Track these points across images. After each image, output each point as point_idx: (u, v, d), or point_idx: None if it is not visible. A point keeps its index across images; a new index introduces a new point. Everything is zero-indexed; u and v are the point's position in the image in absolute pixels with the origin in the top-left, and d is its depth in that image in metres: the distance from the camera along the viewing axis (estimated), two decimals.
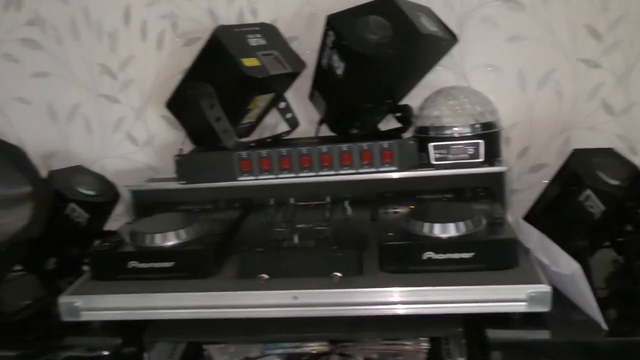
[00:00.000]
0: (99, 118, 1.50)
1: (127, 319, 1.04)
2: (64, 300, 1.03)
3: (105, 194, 1.31)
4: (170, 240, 1.09)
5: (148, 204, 1.31)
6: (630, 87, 1.37)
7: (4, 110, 1.52)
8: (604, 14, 1.34)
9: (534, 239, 1.10)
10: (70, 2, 1.44)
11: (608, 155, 1.13)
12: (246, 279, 1.03)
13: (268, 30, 1.31)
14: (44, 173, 1.25)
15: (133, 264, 1.06)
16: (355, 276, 1.02)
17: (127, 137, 1.50)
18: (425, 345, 1.11)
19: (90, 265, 1.09)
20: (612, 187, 1.05)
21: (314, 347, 1.18)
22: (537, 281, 0.96)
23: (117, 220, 1.37)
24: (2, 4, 1.45)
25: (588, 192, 1.06)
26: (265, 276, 1.02)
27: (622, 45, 1.35)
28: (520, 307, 0.96)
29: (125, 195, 1.32)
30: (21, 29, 1.46)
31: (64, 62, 1.47)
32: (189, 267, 1.06)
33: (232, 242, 1.10)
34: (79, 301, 1.03)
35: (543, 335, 0.97)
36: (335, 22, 1.21)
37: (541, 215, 1.18)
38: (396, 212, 1.14)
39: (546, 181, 1.23)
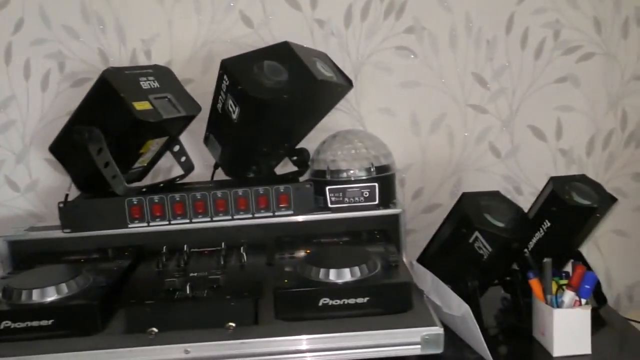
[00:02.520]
0: None
1: None
2: None
3: None
4: (50, 296, 1.01)
5: (27, 255, 1.22)
6: (515, 131, 1.45)
7: None
8: (490, 63, 1.42)
9: (428, 281, 1.12)
10: None
11: (495, 197, 1.18)
12: (134, 333, 0.98)
13: (161, 73, 1.27)
14: None
15: (6, 323, 0.97)
16: (250, 326, 0.99)
17: (6, 182, 1.40)
18: None
19: None
20: (499, 229, 1.10)
21: None
22: (430, 323, 0.97)
23: None
24: None
25: (477, 234, 1.09)
26: (155, 330, 0.97)
27: (506, 92, 1.44)
28: (415, 349, 0.97)
29: (0, 246, 1.21)
30: None
31: None
32: (71, 325, 0.98)
33: (120, 295, 1.03)
34: None
35: None
36: (230, 66, 1.20)
37: (434, 256, 1.20)
38: (292, 257, 1.12)
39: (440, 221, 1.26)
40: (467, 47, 1.41)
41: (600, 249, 1.51)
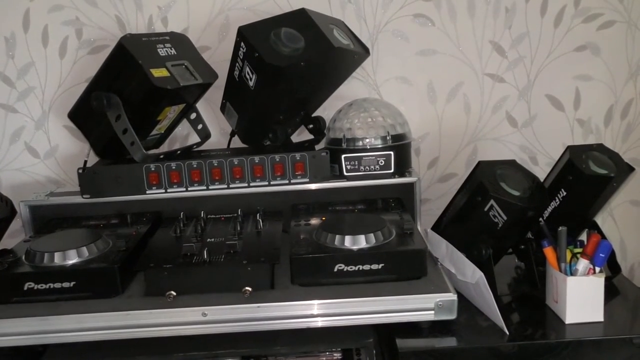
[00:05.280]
0: None
1: (23, 344, 0.97)
2: None
3: None
4: (71, 259, 1.03)
5: (48, 219, 1.24)
6: (532, 100, 1.44)
7: None
8: (508, 31, 1.40)
9: (442, 249, 1.12)
10: None
11: (511, 166, 1.17)
12: (153, 296, 1.00)
13: (178, 40, 1.28)
14: None
15: (29, 285, 1.00)
16: (267, 290, 1.01)
17: (26, 149, 1.42)
18: (337, 356, 1.11)
19: None
20: (514, 198, 1.10)
21: None
22: (444, 290, 0.99)
23: (14, 237, 1.29)
24: None
25: (492, 202, 1.09)
26: (173, 293, 0.99)
27: (524, 60, 1.42)
28: (429, 315, 0.98)
29: (22, 211, 1.24)
30: None
31: None
32: (92, 287, 1.01)
33: (138, 259, 1.05)
34: None
35: (450, 342, 1.00)
36: (247, 33, 1.19)
37: (449, 224, 1.21)
38: (308, 224, 1.14)
39: (455, 190, 1.26)
40: (485, 15, 1.39)
41: (615, 219, 1.51)
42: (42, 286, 1.00)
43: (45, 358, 1.00)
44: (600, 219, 1.47)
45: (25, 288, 1.00)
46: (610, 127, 1.46)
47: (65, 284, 1.00)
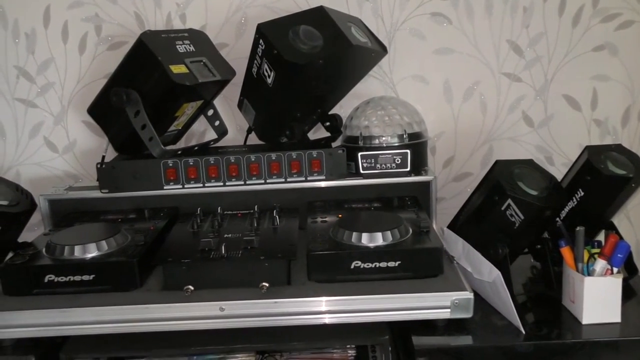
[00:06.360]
0: (14, 123, 1.42)
1: (43, 336, 0.99)
2: None
3: (20, 204, 1.24)
4: (91, 252, 1.04)
5: (67, 213, 1.26)
6: (548, 100, 1.43)
7: None
8: (525, 30, 1.40)
9: (458, 247, 1.12)
10: None
11: (528, 166, 1.17)
12: (171, 290, 1.01)
13: (197, 37, 1.29)
14: None
15: (50, 277, 1.01)
16: (283, 286, 1.02)
17: (45, 143, 1.43)
18: (352, 353, 1.12)
19: (2, 280, 1.03)
20: (532, 197, 1.09)
21: (241, 358, 1.16)
22: (460, 288, 0.99)
23: (33, 231, 1.30)
24: None
25: (509, 201, 1.09)
26: (191, 288, 1.00)
27: (542, 60, 1.42)
28: (445, 313, 0.98)
29: (42, 204, 1.25)
30: None
31: None
32: (111, 280, 1.02)
33: (156, 253, 1.06)
34: None
35: (466, 340, 1.00)
36: (265, 30, 1.20)
37: (465, 223, 1.21)
38: (324, 222, 1.14)
39: (470, 190, 1.26)
40: (503, 14, 1.39)
41: (631, 220, 1.50)
42: (62, 279, 1.01)
43: (65, 349, 1.01)
44: (616, 220, 1.45)
45: (46, 280, 1.01)
46: (628, 128, 1.45)
47: (85, 277, 1.01)
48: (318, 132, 1.40)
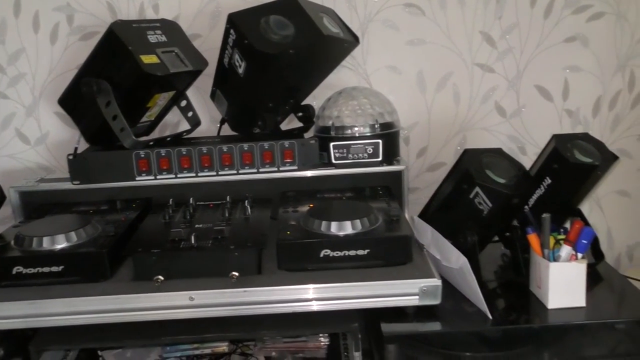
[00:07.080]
0: None
1: (11, 328, 0.98)
2: None
3: None
4: (60, 243, 1.04)
5: (38, 205, 1.25)
6: (520, 91, 1.45)
7: None
8: (498, 21, 1.41)
9: (428, 235, 1.14)
10: None
11: (497, 154, 1.18)
12: (141, 281, 1.01)
13: (169, 27, 1.28)
14: None
15: (18, 269, 1.01)
16: (254, 275, 1.02)
17: (17, 135, 1.42)
18: (324, 341, 1.13)
19: None
20: (499, 185, 1.11)
21: (213, 347, 1.16)
22: (428, 275, 1.00)
23: (3, 224, 1.29)
24: None
25: (477, 189, 1.11)
26: (161, 278, 1.00)
27: (514, 51, 1.43)
28: (413, 300, 0.99)
29: (12, 196, 1.24)
30: None
31: None
32: (80, 271, 1.02)
33: (128, 244, 1.06)
34: None
35: (434, 327, 1.01)
36: (236, 20, 1.20)
37: (435, 212, 1.22)
38: (296, 211, 1.14)
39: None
40: (476, 5, 1.40)
41: (602, 209, 1.52)
42: (30, 270, 1.01)
43: (35, 342, 1.01)
44: (587, 209, 1.48)
45: (14, 272, 1.01)
46: (599, 118, 1.47)
47: (54, 268, 1.01)
48: (291, 123, 1.40)
